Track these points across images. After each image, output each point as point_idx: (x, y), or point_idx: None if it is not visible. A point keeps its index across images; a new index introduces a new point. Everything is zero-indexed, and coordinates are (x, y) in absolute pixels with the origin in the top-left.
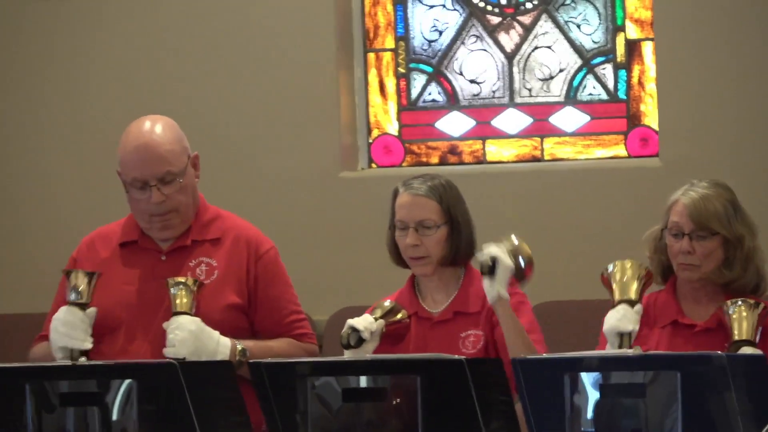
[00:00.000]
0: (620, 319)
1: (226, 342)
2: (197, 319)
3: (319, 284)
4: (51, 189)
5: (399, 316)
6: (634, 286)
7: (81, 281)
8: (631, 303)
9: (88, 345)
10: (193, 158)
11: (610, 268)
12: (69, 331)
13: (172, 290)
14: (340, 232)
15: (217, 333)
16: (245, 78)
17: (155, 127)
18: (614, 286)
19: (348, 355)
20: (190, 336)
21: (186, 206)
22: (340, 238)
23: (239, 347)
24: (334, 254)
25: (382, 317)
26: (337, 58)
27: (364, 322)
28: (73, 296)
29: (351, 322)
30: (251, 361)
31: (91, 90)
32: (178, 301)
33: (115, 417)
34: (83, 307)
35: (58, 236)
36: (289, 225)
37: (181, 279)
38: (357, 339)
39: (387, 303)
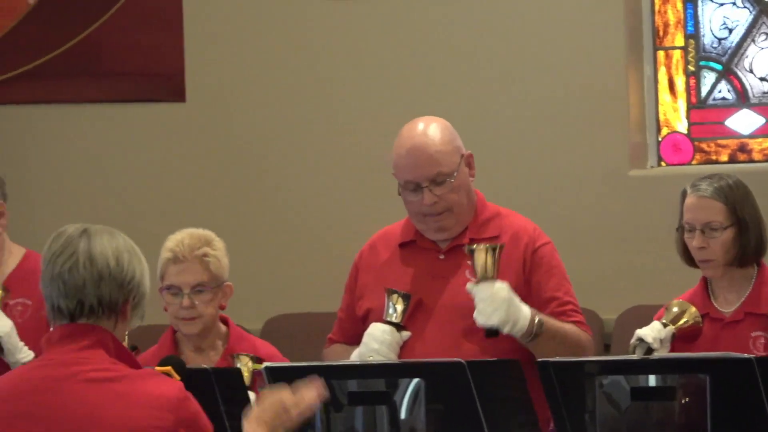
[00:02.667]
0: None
1: (527, 312)
2: (506, 286)
3: (608, 283)
4: (334, 190)
5: (686, 319)
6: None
7: (399, 302)
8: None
9: None
10: (466, 157)
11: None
12: (381, 348)
13: (474, 257)
14: (629, 230)
15: (518, 299)
16: (534, 76)
17: (427, 129)
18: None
19: None
20: (503, 304)
21: (460, 206)
22: (629, 236)
23: (537, 319)
24: (623, 253)
25: (671, 322)
26: (626, 56)
27: (653, 332)
28: (392, 316)
29: (639, 332)
30: (539, 360)
31: (365, 89)
32: (480, 268)
33: (403, 416)
34: (399, 328)
35: (342, 236)
36: (577, 223)
37: (481, 244)
38: (645, 350)
39: (675, 308)
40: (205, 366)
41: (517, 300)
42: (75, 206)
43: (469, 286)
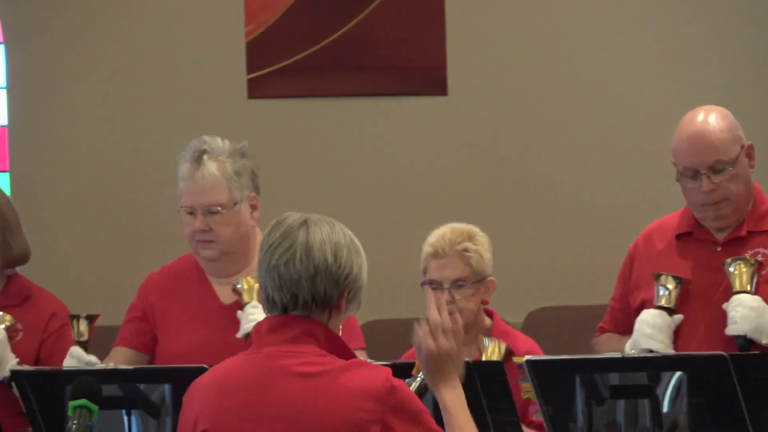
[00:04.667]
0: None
1: None
2: (758, 297)
3: None
4: (598, 182)
5: None
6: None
7: (670, 283)
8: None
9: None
10: (747, 148)
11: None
12: (654, 333)
13: (729, 269)
14: None
15: None
16: None
17: (708, 117)
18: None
19: None
20: (751, 312)
21: (738, 196)
22: None
23: None
24: None
25: None
26: None
27: None
28: (663, 300)
29: None
30: None
31: (634, 77)
32: (737, 280)
33: (665, 409)
34: (670, 312)
35: (604, 229)
36: None
37: (739, 257)
38: None
39: None
40: (467, 359)
41: None
42: (330, 200)
43: (724, 305)
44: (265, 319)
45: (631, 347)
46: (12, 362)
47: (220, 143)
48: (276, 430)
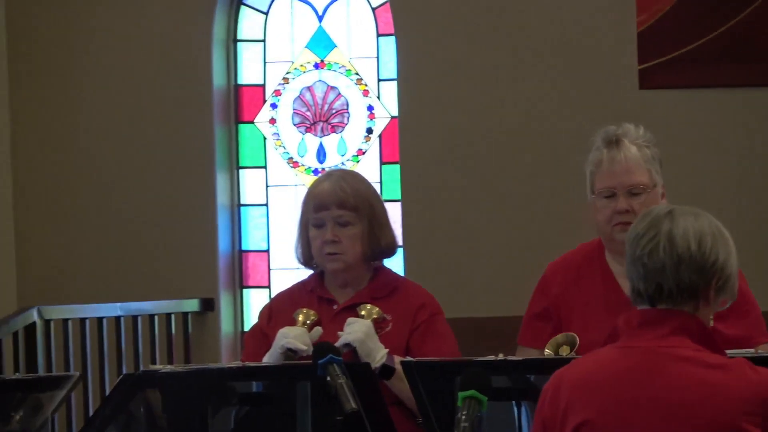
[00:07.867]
0: None
1: None
2: None
3: None
4: None
5: None
6: None
7: None
8: None
9: None
10: None
11: None
12: None
13: None
14: None
15: None
16: None
17: None
18: None
19: None
20: None
21: None
22: None
23: None
24: None
25: None
26: None
27: None
28: None
29: None
30: None
31: None
32: None
33: None
34: None
35: None
36: None
37: None
38: None
39: None
40: None
41: None
42: (717, 193)
43: None
44: (637, 312)
45: None
46: (382, 353)
47: (634, 129)
48: (663, 418)
